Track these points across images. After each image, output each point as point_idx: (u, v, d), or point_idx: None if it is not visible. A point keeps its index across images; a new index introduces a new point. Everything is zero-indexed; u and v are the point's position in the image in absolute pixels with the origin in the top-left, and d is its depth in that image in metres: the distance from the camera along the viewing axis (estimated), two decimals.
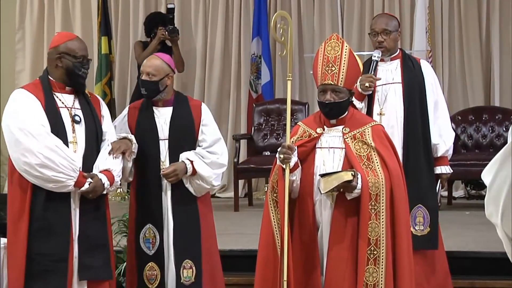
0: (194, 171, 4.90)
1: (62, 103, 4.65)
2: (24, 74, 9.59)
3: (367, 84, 5.15)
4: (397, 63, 5.32)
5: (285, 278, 4.18)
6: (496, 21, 8.99)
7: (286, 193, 4.21)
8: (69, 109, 4.66)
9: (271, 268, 4.28)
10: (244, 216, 7.79)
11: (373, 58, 5.28)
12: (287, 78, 4.41)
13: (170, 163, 4.92)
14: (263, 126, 8.72)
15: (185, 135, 4.98)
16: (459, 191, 8.98)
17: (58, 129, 4.57)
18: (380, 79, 5.25)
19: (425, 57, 8.22)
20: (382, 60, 5.30)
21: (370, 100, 5.26)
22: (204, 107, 5.11)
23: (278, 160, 4.27)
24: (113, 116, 8.80)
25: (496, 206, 2.55)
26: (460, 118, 8.57)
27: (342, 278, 4.20)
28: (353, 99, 4.65)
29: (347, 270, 4.20)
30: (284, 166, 4.22)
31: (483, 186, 8.75)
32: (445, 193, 8.46)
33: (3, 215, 6.31)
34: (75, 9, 9.68)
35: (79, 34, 9.46)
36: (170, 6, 8.99)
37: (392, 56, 5.34)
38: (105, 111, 4.88)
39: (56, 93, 4.65)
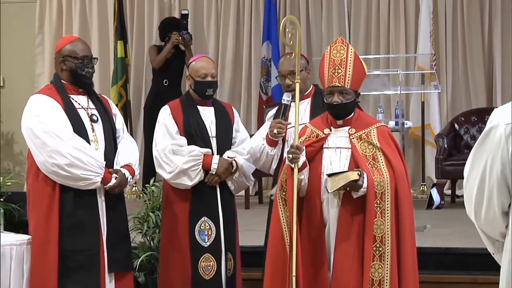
0: (237, 168, 5.10)
1: (79, 104, 4.71)
2: (43, 77, 9.62)
3: (275, 131, 4.86)
4: (307, 102, 5.02)
5: (293, 273, 4.21)
6: (498, 25, 9.01)
7: (294, 192, 4.24)
8: (86, 109, 4.73)
9: (280, 264, 4.30)
10: (254, 213, 7.81)
11: (282, 102, 4.96)
12: (296, 81, 4.45)
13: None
14: None
15: (227, 134, 5.15)
16: (462, 190, 8.81)
17: (79, 129, 4.63)
18: (290, 123, 4.87)
19: (429, 60, 8.31)
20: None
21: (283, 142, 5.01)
22: (233, 108, 5.34)
23: (287, 160, 4.30)
24: (128, 117, 9.02)
25: (470, 204, 2.64)
26: (463, 119, 8.61)
27: (349, 273, 4.22)
28: (268, 147, 4.77)
29: (354, 266, 4.22)
30: (292, 166, 4.25)
31: None
32: (449, 192, 8.53)
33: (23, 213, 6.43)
34: (92, 14, 9.74)
35: (96, 39, 9.56)
36: (184, 12, 9.05)
37: (304, 94, 5.01)
38: (115, 109, 4.95)
39: (71, 95, 4.70)
